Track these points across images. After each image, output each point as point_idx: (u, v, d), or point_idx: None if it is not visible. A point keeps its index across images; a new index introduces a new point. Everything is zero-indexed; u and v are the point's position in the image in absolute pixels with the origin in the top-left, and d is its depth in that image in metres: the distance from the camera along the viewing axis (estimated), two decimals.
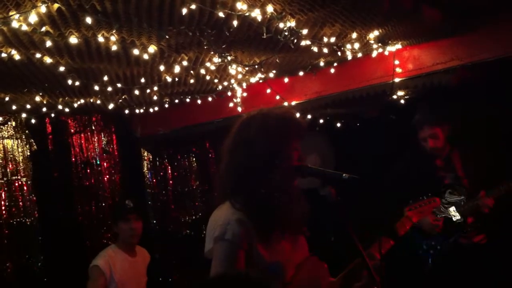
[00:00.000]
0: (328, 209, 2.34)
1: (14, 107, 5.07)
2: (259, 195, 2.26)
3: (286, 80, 5.11)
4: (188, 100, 5.54)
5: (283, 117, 2.39)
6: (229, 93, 5.34)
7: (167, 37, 3.50)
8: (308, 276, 2.38)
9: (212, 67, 4.41)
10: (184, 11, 3.11)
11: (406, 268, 4.38)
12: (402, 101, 5.11)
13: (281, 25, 3.45)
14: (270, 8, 3.21)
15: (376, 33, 4.16)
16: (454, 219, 4.26)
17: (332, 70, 4.99)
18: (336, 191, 2.35)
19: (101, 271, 3.93)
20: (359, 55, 4.57)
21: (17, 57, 3.61)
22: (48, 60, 3.78)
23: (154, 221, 6.77)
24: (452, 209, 4.28)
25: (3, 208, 5.50)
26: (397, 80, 4.86)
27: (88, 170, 6.19)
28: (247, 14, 3.21)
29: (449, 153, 4.38)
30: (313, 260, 2.47)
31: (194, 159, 7.05)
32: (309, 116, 5.48)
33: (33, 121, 5.34)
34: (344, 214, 2.35)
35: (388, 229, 3.20)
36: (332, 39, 4.00)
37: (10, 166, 5.64)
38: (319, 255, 2.43)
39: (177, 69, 4.23)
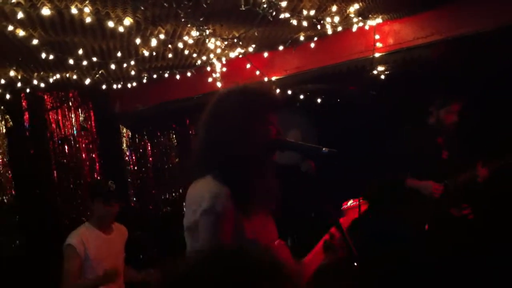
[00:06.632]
0: (308, 185, 2.31)
1: None
2: (237, 170, 2.22)
3: (265, 55, 5.04)
4: (166, 75, 5.45)
5: (259, 91, 2.35)
6: (209, 68, 5.26)
7: (142, 8, 3.42)
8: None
9: (190, 41, 4.32)
10: None
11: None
12: (382, 77, 5.08)
13: None
14: None
15: (356, 6, 4.12)
16: (450, 188, 4.26)
17: (312, 45, 4.94)
18: (316, 166, 2.32)
19: (75, 250, 3.85)
20: (339, 29, 4.52)
21: None
22: (21, 32, 3.68)
23: (134, 199, 6.72)
24: (449, 180, 4.28)
25: None
26: (377, 55, 4.83)
27: (66, 147, 6.09)
28: None
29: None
30: (281, 245, 2.44)
31: (174, 135, 6.98)
32: (289, 92, 5.43)
33: (8, 96, 5.21)
34: (324, 189, 2.31)
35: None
36: (312, 12, 3.94)
37: None
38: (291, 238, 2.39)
39: (154, 42, 4.15)
